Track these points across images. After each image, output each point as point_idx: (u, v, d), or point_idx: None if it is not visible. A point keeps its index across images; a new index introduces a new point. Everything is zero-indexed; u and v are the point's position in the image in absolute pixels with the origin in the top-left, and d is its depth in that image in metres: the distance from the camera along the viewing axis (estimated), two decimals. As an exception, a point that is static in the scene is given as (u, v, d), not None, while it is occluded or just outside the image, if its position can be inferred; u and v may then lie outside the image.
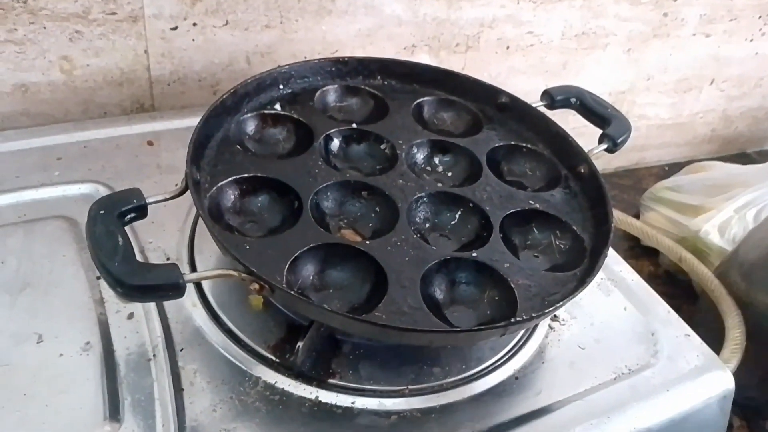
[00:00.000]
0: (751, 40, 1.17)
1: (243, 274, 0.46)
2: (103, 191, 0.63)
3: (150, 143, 0.69)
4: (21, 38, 0.68)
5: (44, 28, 0.68)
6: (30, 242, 0.58)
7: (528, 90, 0.96)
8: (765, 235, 0.84)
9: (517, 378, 0.55)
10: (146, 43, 0.73)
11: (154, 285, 0.43)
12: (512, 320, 0.48)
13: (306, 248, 0.51)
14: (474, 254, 0.54)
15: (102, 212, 0.46)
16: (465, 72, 0.91)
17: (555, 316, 0.61)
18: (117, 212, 0.47)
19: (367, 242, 0.53)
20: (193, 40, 0.75)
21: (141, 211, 0.49)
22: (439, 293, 0.53)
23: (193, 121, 0.72)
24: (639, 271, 0.70)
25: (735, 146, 1.39)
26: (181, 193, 0.52)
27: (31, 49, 0.69)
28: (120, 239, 0.45)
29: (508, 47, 0.94)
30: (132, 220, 0.48)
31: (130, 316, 0.54)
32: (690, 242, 1.00)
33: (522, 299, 0.51)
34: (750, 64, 1.21)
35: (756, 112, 1.33)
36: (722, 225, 1.00)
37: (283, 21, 0.78)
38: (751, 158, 1.40)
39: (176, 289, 0.43)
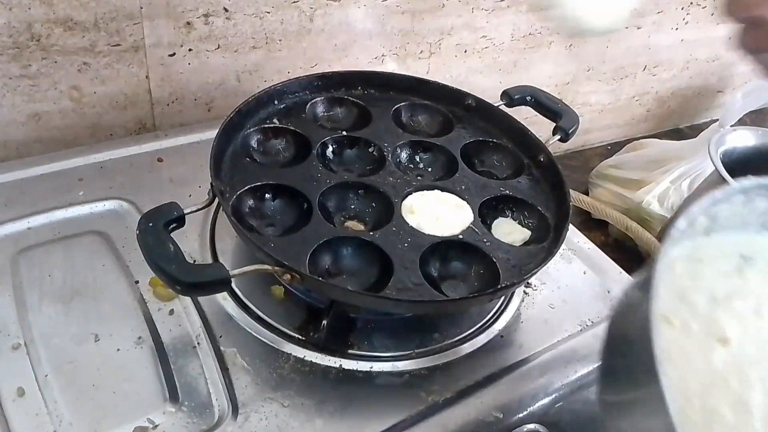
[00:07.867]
0: (677, 29, 1.25)
1: (276, 267, 0.53)
2: (126, 206, 0.68)
3: (160, 160, 0.74)
4: (34, 72, 0.72)
5: (55, 62, 0.72)
6: (70, 256, 0.63)
7: (485, 87, 1.06)
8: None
9: (502, 336, 0.63)
10: (147, 70, 0.78)
11: (207, 281, 0.49)
12: (499, 286, 0.55)
13: (321, 242, 0.57)
14: (460, 236, 0.61)
15: (150, 224, 0.52)
16: (429, 75, 1.00)
17: (528, 283, 0.68)
18: (162, 223, 0.52)
19: (371, 233, 0.60)
20: (189, 63, 0.80)
21: (181, 221, 0.54)
22: (434, 271, 0.59)
23: (195, 137, 0.80)
24: (592, 241, 0.77)
25: (669, 123, 1.48)
26: (211, 203, 0.58)
27: (44, 81, 0.73)
28: (171, 246, 0.51)
29: (465, 51, 1.02)
30: (174, 229, 0.53)
31: (171, 312, 0.59)
32: (634, 213, 1.08)
33: (503, 270, 0.58)
34: (677, 49, 1.30)
35: (685, 91, 1.42)
36: (661, 195, 1.08)
37: (268, 42, 0.84)
38: (683, 133, 1.49)
39: (224, 284, 0.50)
